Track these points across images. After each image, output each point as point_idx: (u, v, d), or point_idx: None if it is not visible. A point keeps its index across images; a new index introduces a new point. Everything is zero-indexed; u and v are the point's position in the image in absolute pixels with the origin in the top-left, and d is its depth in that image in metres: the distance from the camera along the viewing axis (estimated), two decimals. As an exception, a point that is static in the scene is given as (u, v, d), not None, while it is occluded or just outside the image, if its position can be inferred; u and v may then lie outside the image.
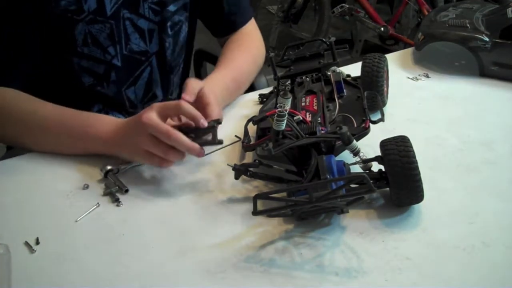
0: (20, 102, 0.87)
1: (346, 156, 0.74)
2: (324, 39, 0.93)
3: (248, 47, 1.13)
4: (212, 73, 1.01)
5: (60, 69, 0.96)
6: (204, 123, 0.77)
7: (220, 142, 0.76)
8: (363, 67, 0.92)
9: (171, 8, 1.01)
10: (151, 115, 0.75)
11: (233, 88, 1.01)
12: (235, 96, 1.03)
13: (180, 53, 1.08)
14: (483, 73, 1.09)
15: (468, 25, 1.11)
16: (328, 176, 0.66)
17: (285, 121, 0.70)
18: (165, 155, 0.76)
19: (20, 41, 0.89)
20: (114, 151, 0.82)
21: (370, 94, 0.84)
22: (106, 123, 0.83)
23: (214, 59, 1.26)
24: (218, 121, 0.79)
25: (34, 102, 0.87)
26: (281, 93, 0.71)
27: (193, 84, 0.83)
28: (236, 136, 0.88)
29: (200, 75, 1.41)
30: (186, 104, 0.77)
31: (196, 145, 0.76)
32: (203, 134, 0.78)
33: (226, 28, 1.15)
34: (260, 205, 0.70)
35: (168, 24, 1.01)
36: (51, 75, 0.97)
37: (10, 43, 0.88)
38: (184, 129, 0.78)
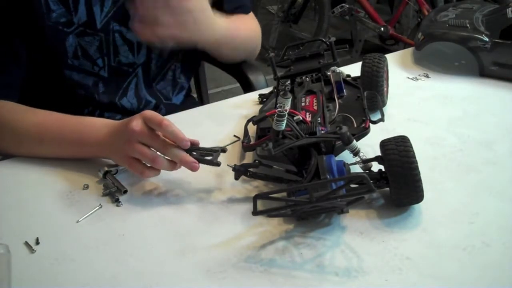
0: (13, 113, 0.86)
1: (346, 156, 0.74)
2: (324, 39, 0.93)
3: (244, 22, 1.11)
4: None
5: (53, 82, 0.95)
6: (187, 143, 0.75)
7: (218, 164, 0.75)
8: (363, 67, 0.92)
9: None
10: (140, 123, 0.74)
11: (233, 30, 1.01)
12: (232, 44, 1.04)
13: (167, 60, 1.06)
14: (483, 73, 1.09)
15: (468, 25, 1.11)
16: (328, 176, 0.66)
17: (285, 121, 0.70)
18: (153, 162, 0.75)
19: (13, 54, 0.89)
20: (106, 155, 0.82)
21: (370, 94, 0.84)
22: (98, 127, 0.82)
23: (213, 59, 1.25)
24: (224, 149, 0.77)
25: (26, 112, 0.86)
26: (281, 93, 0.71)
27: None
28: (235, 136, 0.88)
29: (199, 75, 1.40)
30: (168, 125, 0.74)
31: (188, 156, 0.74)
32: (206, 156, 0.76)
33: None
34: (260, 205, 0.70)
35: None
36: (45, 88, 0.96)
37: (2, 56, 0.88)
38: (191, 147, 0.76)
